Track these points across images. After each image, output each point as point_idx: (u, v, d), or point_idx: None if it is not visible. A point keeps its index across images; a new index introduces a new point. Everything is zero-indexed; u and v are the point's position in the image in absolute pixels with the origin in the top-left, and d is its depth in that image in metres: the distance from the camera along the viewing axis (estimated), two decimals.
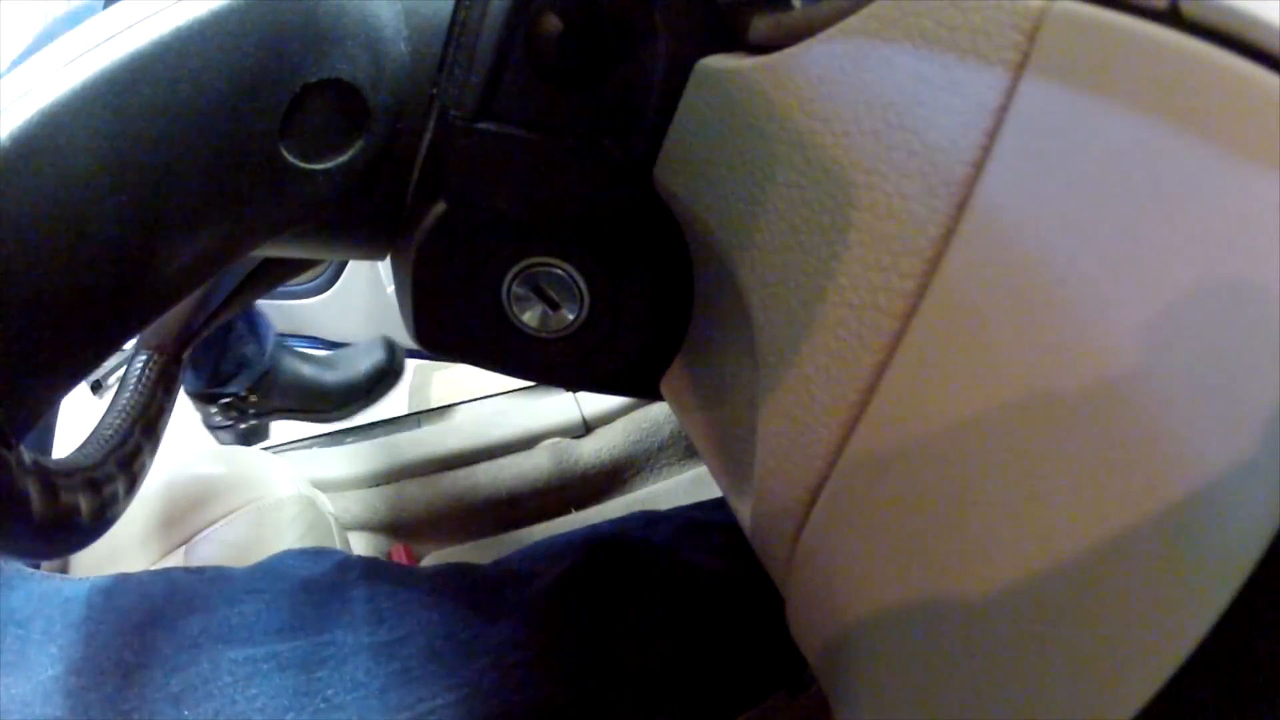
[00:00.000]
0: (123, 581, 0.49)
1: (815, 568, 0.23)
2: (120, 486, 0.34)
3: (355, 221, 0.32)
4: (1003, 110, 0.18)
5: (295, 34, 0.28)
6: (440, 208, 0.31)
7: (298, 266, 0.46)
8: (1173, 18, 0.17)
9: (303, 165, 0.29)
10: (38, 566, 0.55)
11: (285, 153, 0.29)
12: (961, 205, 0.19)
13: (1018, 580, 0.18)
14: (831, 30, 0.21)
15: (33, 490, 0.28)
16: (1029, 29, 0.18)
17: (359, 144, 0.30)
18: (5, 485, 0.26)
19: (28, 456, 0.27)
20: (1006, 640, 0.18)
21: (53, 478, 0.30)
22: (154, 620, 0.47)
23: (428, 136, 0.31)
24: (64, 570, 0.54)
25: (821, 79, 0.21)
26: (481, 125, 0.30)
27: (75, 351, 0.28)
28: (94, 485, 0.32)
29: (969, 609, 0.19)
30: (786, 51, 0.23)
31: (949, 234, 0.19)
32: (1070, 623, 0.17)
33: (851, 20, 0.21)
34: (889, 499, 0.21)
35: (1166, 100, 0.16)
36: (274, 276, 0.45)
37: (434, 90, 0.30)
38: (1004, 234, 0.19)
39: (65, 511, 0.30)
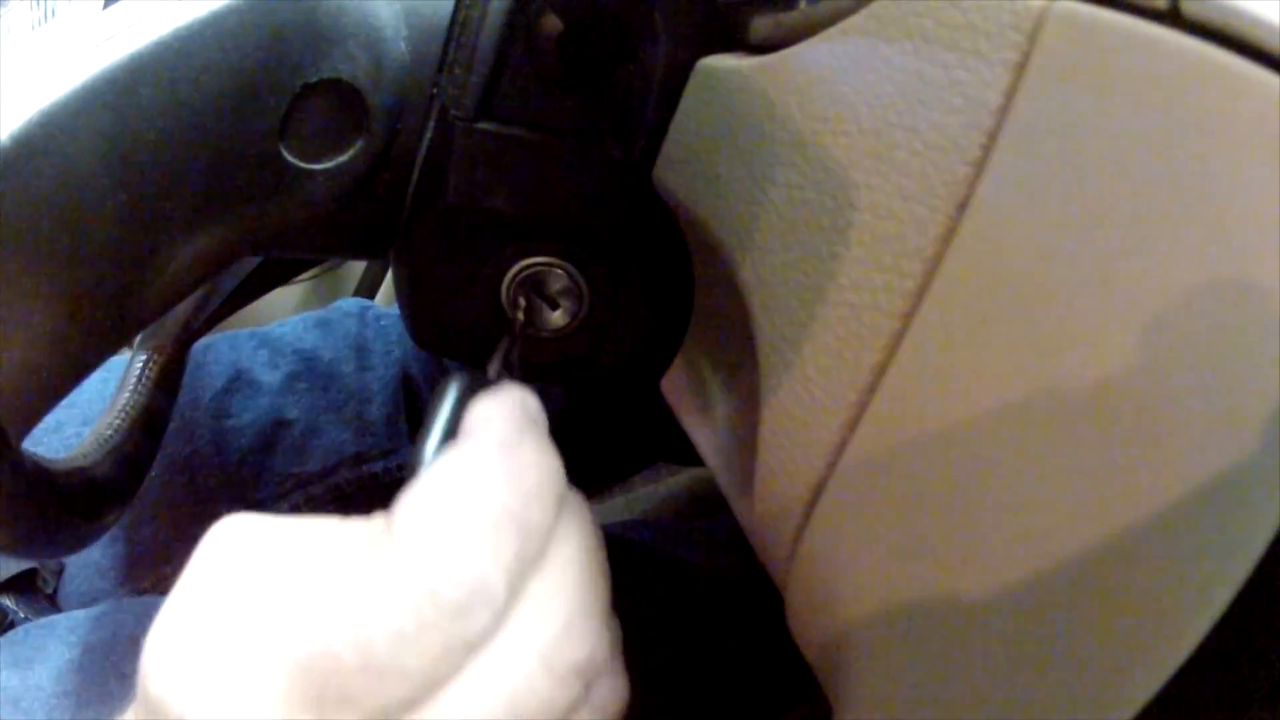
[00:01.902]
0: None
1: (816, 567, 0.23)
2: (121, 486, 0.34)
3: (355, 221, 0.32)
4: (1003, 110, 0.18)
5: (295, 34, 0.28)
6: (440, 208, 0.31)
7: (297, 267, 0.45)
8: (1173, 18, 0.17)
9: (303, 165, 0.29)
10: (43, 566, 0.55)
11: (285, 152, 0.29)
12: (962, 205, 0.19)
13: (1018, 580, 0.18)
14: (832, 30, 0.21)
15: (33, 490, 0.28)
16: (1029, 29, 0.18)
17: (359, 144, 0.30)
18: (6, 485, 0.26)
19: (28, 456, 0.28)
20: (1007, 640, 0.19)
21: (53, 478, 0.30)
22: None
23: (428, 136, 0.31)
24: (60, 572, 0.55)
25: (822, 79, 0.21)
26: (482, 125, 0.30)
27: (76, 352, 0.28)
28: (94, 485, 0.32)
29: (970, 609, 0.19)
30: (787, 51, 0.23)
31: (949, 234, 0.19)
32: (1071, 622, 0.17)
33: (852, 20, 0.21)
34: (890, 499, 0.21)
35: (1167, 100, 0.16)
36: (273, 277, 0.45)
37: (434, 90, 0.30)
38: (1004, 234, 0.19)
39: (66, 511, 0.30)
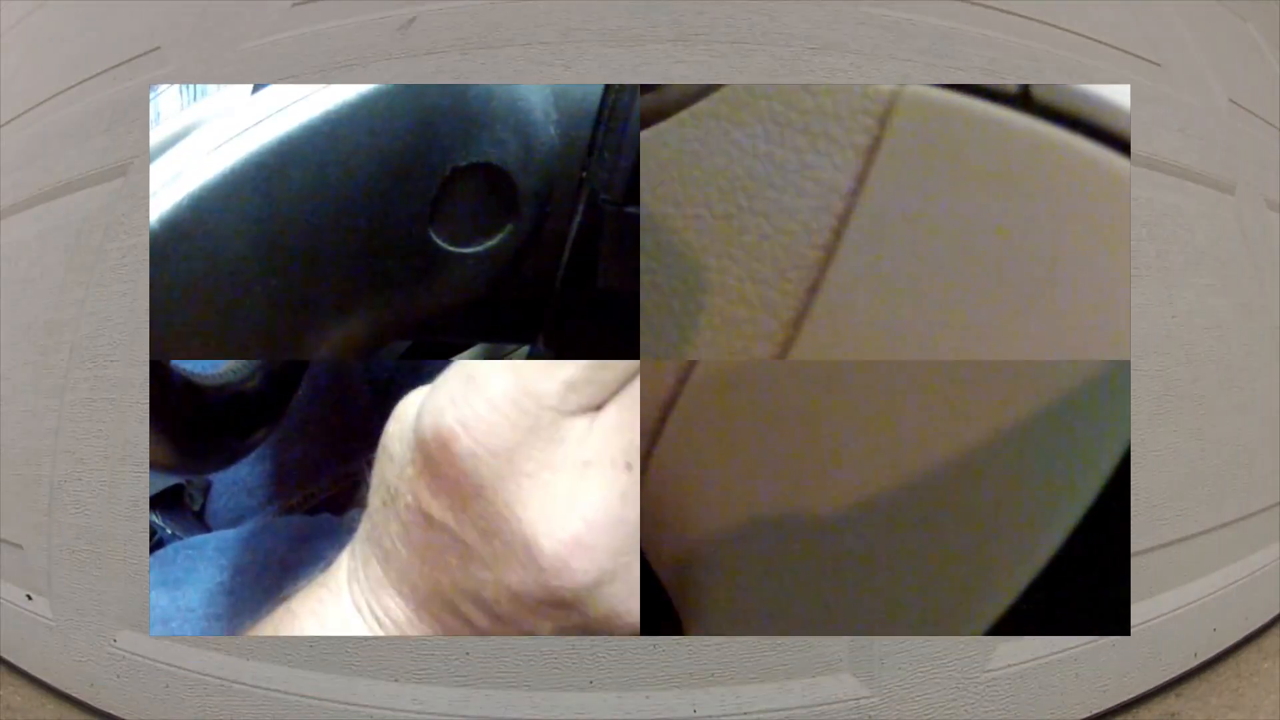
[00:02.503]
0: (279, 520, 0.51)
1: (666, 485, 0.23)
2: (270, 403, 0.35)
3: (504, 305, 0.32)
4: (854, 194, 0.18)
5: (445, 118, 0.29)
6: (591, 291, 0.31)
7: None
8: (1024, 102, 0.17)
9: (452, 249, 0.30)
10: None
11: (435, 236, 0.29)
12: (813, 289, 0.19)
13: (868, 496, 0.19)
14: (683, 114, 0.21)
15: (183, 405, 0.29)
16: (880, 113, 0.18)
17: (508, 227, 0.30)
18: (157, 401, 0.27)
19: (177, 370, 0.29)
20: (858, 553, 0.19)
21: (203, 393, 0.31)
22: (315, 530, 0.48)
23: (577, 220, 0.31)
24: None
25: (672, 162, 0.21)
26: (631, 209, 0.29)
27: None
28: (244, 401, 0.33)
29: (821, 525, 0.19)
30: (646, 132, 0.23)
31: (800, 319, 0.19)
32: (922, 538, 0.18)
33: (702, 104, 0.21)
34: (738, 419, 0.21)
35: (1017, 182, 0.16)
36: None
37: (583, 174, 0.30)
38: (856, 314, 0.18)
39: (216, 427, 0.32)
